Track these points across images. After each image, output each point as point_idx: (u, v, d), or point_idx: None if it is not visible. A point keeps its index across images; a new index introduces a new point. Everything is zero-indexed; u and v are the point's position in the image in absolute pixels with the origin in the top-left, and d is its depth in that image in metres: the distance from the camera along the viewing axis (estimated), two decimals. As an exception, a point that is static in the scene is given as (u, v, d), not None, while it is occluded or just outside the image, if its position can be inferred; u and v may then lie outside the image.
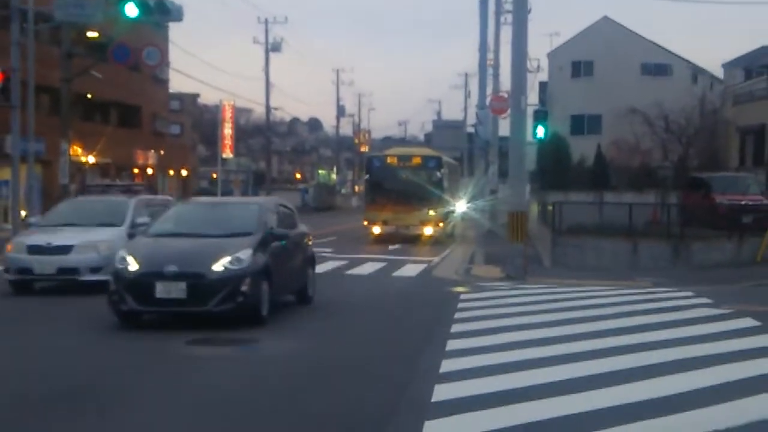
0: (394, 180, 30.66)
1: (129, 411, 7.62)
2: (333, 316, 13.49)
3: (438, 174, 30.35)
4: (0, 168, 32.75)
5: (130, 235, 14.66)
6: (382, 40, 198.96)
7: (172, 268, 11.46)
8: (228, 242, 12.06)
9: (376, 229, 30.44)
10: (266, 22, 59.50)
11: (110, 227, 15.98)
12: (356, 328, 12.49)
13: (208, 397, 8.07)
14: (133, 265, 11.69)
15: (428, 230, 30.03)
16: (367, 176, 32.43)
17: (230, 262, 11.60)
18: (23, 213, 25.88)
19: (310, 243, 15.08)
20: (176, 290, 11.39)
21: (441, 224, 30.27)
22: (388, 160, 31.56)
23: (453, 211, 32.94)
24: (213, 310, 11.49)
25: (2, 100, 23.42)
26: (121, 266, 11.79)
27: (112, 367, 9.49)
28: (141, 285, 11.48)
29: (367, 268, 20.92)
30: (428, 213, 29.85)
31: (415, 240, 29.61)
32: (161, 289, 11.40)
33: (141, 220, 15.59)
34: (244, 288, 11.46)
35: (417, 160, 31.12)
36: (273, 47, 59.39)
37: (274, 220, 13.15)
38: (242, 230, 12.42)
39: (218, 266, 11.56)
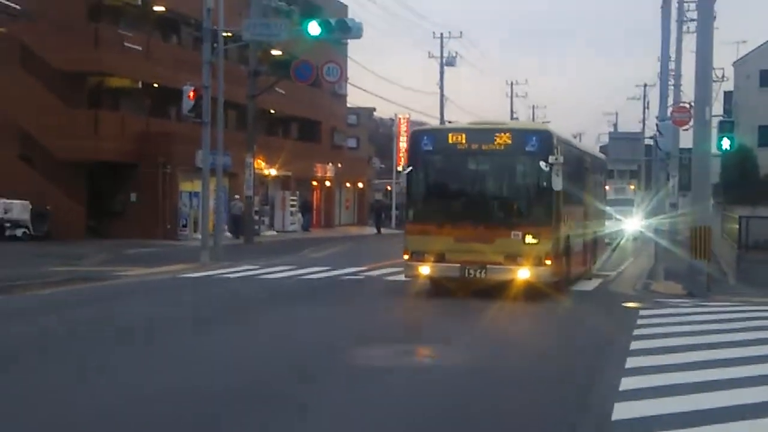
0: (460, 175, 17.32)
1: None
2: (508, 329, 13.46)
3: (544, 164, 15.97)
4: (192, 180, 34.74)
5: None
6: (557, 53, 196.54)
7: None
8: None
9: (425, 269, 16.61)
10: (441, 37, 60.18)
11: None
12: (533, 341, 12.42)
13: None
14: None
15: (523, 273, 16.01)
16: (409, 168, 17.26)
17: None
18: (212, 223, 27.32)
19: None
20: None
21: (549, 261, 16.05)
22: (450, 138, 16.94)
23: (597, 234, 22.49)
24: None
25: (194, 117, 24.78)
26: None
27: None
28: None
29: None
30: (522, 240, 16.07)
31: (497, 292, 16.26)
32: None
33: None
34: None
35: (504, 139, 16.51)
36: (447, 61, 59.89)
37: None
38: None
39: None
